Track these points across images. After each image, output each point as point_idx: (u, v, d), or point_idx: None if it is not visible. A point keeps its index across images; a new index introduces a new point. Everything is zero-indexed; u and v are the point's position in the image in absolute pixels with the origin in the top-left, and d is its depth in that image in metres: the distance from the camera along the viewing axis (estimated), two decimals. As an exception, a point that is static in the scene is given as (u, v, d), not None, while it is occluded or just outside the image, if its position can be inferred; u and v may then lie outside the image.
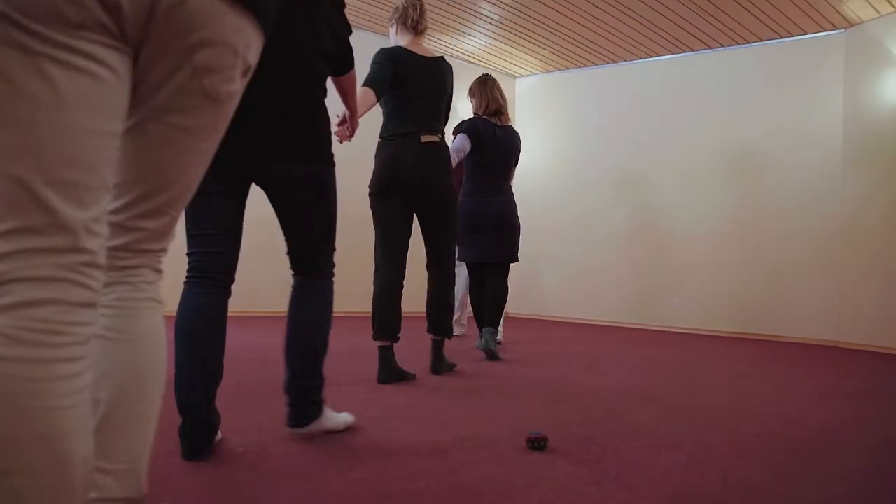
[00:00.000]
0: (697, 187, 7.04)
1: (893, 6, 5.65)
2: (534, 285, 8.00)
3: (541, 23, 6.72)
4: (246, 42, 1.01)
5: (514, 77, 8.55)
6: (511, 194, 4.44)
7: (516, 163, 4.52)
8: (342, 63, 2.26)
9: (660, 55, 7.32)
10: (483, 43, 7.46)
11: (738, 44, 6.77)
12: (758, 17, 6.08)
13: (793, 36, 6.44)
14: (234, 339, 4.67)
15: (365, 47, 7.67)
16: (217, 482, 1.65)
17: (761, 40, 6.62)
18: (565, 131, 8.04)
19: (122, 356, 1.02)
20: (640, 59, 7.47)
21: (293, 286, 2.23)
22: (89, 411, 0.86)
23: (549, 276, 7.99)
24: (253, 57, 1.06)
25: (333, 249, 2.24)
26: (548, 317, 7.94)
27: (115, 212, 1.01)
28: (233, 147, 1.73)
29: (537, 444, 2.05)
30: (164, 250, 1.11)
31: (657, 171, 7.34)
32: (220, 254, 2.05)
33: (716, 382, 3.77)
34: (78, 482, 0.82)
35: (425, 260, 3.57)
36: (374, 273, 3.43)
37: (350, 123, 2.55)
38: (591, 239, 7.75)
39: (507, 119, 4.46)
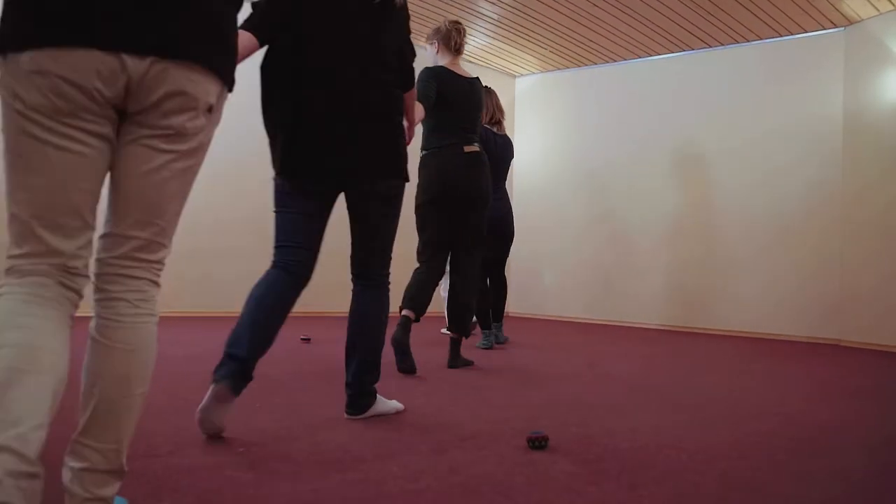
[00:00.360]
0: (697, 186, 7.04)
1: (893, 4, 5.65)
2: (533, 285, 8.00)
3: (540, 22, 6.71)
4: (203, 89, 1.30)
5: (514, 76, 8.55)
6: (507, 196, 5.07)
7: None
8: (407, 82, 2.52)
9: (659, 54, 7.32)
10: (482, 42, 7.46)
11: (737, 42, 6.77)
12: (757, 16, 6.08)
13: (792, 34, 6.44)
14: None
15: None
16: (217, 483, 1.65)
17: (760, 38, 6.61)
18: (564, 130, 8.04)
19: (115, 361, 1.28)
20: (640, 57, 7.47)
21: (354, 290, 2.47)
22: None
23: (549, 275, 7.99)
24: (212, 98, 1.34)
25: (390, 258, 2.50)
26: (547, 316, 7.94)
27: (113, 226, 1.34)
28: (312, 168, 2.25)
29: (538, 443, 2.05)
30: (157, 263, 1.36)
31: (657, 170, 7.34)
32: (301, 262, 2.37)
33: (716, 381, 3.77)
34: None
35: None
36: (418, 269, 3.77)
37: (408, 133, 2.68)
38: (590, 238, 7.74)
39: (504, 129, 4.99)
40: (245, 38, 2.20)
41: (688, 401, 3.08)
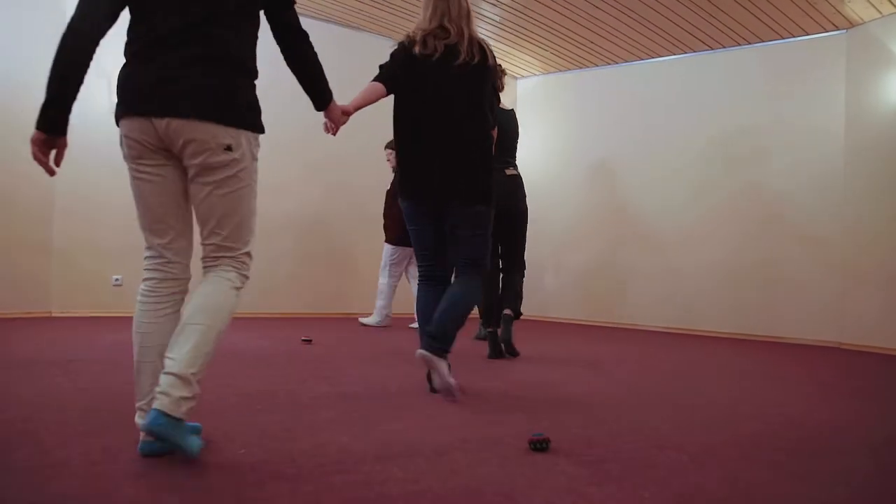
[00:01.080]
0: (699, 188, 7.04)
1: (895, 6, 5.65)
2: (535, 286, 7.98)
3: (541, 24, 6.72)
4: (212, 133, 1.85)
5: (516, 78, 8.55)
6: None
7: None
8: (493, 123, 3.21)
9: (661, 56, 7.31)
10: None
11: (739, 44, 6.77)
12: (759, 18, 6.08)
13: (794, 36, 6.44)
14: (234, 341, 4.68)
15: (366, 48, 7.69)
16: (219, 484, 1.65)
17: (762, 41, 6.61)
18: (566, 132, 8.04)
19: (196, 299, 1.90)
20: (641, 59, 7.47)
21: (455, 278, 3.13)
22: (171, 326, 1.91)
23: (551, 277, 7.99)
24: (226, 139, 1.86)
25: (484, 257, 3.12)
26: (549, 318, 7.93)
27: (200, 235, 1.97)
28: (424, 191, 3.00)
29: (539, 444, 2.05)
30: (237, 260, 1.98)
31: (658, 172, 7.33)
32: (433, 265, 3.13)
33: (717, 383, 3.76)
34: None
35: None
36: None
37: None
38: (592, 239, 7.74)
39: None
40: (375, 86, 3.01)
41: (689, 402, 3.07)
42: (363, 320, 6.26)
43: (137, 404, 1.88)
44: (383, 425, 2.34)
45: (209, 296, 1.90)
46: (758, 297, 6.59)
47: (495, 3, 6.30)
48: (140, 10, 1.91)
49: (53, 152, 2.00)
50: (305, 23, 6.83)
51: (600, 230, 7.69)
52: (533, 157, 8.06)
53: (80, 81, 1.93)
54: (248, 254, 2.00)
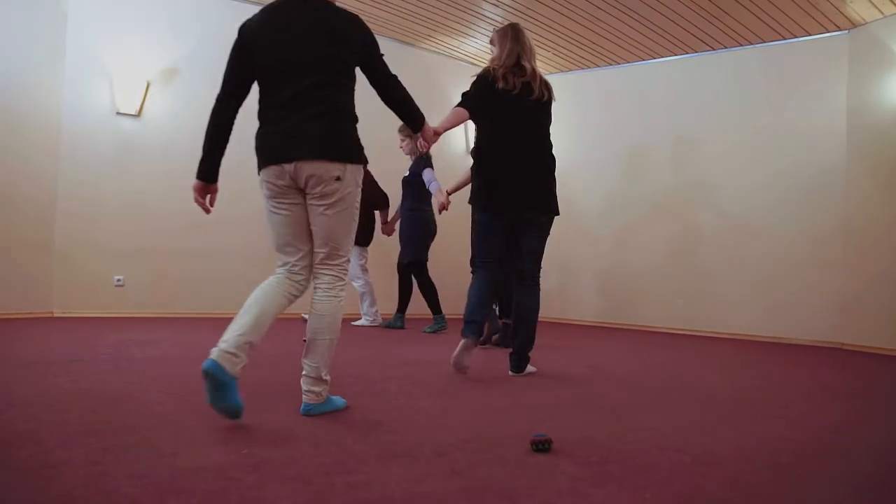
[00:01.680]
0: (700, 189, 7.03)
1: (897, 7, 5.65)
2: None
3: (543, 24, 6.71)
4: (325, 168, 2.41)
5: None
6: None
7: None
8: None
9: (662, 57, 7.31)
10: (485, 44, 7.46)
11: (740, 45, 6.76)
12: (760, 19, 6.07)
13: (796, 37, 6.43)
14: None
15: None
16: (221, 484, 1.65)
17: (764, 42, 6.61)
18: (567, 133, 7.99)
19: (313, 319, 2.48)
20: (643, 60, 7.47)
21: (517, 287, 3.68)
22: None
23: (553, 277, 7.98)
24: (336, 172, 2.42)
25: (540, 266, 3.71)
26: (551, 318, 7.93)
27: (317, 248, 2.52)
28: (505, 205, 3.55)
29: (541, 446, 2.04)
30: (339, 269, 2.53)
31: (660, 173, 7.33)
32: (495, 266, 3.66)
33: (718, 384, 3.76)
34: None
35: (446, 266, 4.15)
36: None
37: None
38: (593, 240, 7.74)
39: None
40: (461, 112, 3.54)
41: (690, 403, 3.07)
42: (356, 323, 6.29)
43: (225, 337, 2.33)
44: (384, 426, 2.34)
45: (326, 316, 2.47)
46: (759, 298, 6.58)
47: (497, 3, 6.30)
48: (265, 83, 2.52)
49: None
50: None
51: (601, 230, 7.69)
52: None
53: (224, 142, 2.65)
54: (348, 260, 2.58)
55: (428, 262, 6.15)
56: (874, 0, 5.56)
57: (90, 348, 4.01)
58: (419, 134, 2.94)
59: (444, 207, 5.29)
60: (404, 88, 2.71)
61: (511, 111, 3.56)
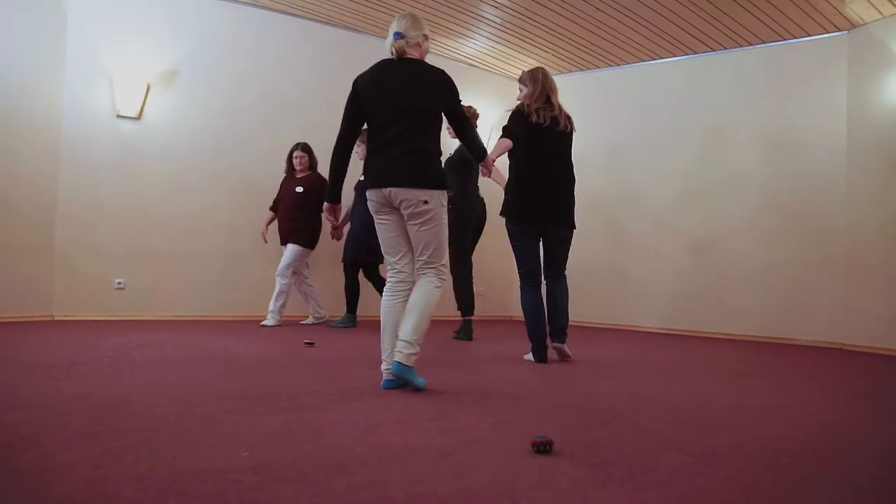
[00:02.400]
0: (701, 190, 7.03)
1: (895, 7, 5.65)
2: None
3: (542, 26, 6.72)
4: (414, 194, 3.09)
5: (517, 80, 8.55)
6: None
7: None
8: None
9: (662, 58, 7.32)
10: (485, 46, 7.47)
11: (740, 46, 6.77)
12: (760, 20, 6.08)
13: (795, 38, 6.44)
14: (233, 345, 4.68)
15: (366, 50, 7.69)
16: (221, 486, 1.65)
17: (764, 42, 6.61)
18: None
19: (412, 299, 3.14)
20: (643, 61, 7.47)
21: (547, 285, 4.48)
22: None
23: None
24: (423, 196, 3.08)
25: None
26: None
27: (417, 256, 3.25)
28: (529, 218, 4.32)
29: (542, 447, 2.04)
30: (437, 269, 3.19)
31: (660, 174, 7.33)
32: (536, 272, 4.45)
33: (720, 384, 3.76)
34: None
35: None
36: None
37: None
38: (593, 242, 7.74)
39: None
40: (506, 142, 4.18)
41: (691, 404, 3.07)
42: (264, 323, 6.08)
43: (384, 356, 3.17)
44: (386, 427, 2.34)
45: (421, 296, 3.14)
46: (760, 298, 6.58)
47: (496, 5, 6.31)
48: (372, 125, 3.24)
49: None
50: (308, 26, 6.97)
51: (601, 231, 7.68)
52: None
53: (344, 172, 3.33)
54: (444, 264, 3.23)
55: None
56: (873, 1, 5.57)
57: (91, 351, 4.01)
58: (481, 163, 3.66)
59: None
60: (473, 129, 3.55)
61: (542, 141, 4.32)
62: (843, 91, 6.19)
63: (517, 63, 7.96)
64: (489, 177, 3.95)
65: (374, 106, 3.21)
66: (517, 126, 4.27)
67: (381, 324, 3.20)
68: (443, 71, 3.29)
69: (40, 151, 5.80)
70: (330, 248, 6.71)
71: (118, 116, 6.14)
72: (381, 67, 3.26)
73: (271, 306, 6.09)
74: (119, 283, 6.12)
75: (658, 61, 7.39)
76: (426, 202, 3.10)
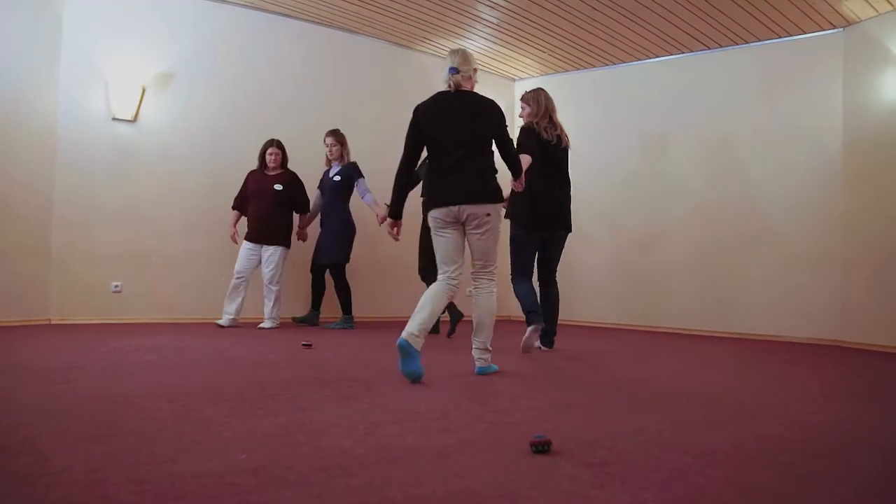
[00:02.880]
0: (697, 188, 7.04)
1: (892, 5, 5.66)
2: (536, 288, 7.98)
3: (538, 25, 6.72)
4: (479, 209, 3.60)
5: (513, 80, 8.56)
6: None
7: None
8: None
9: (658, 56, 7.32)
10: (481, 46, 7.47)
11: (735, 44, 6.78)
12: (756, 17, 6.08)
13: (791, 35, 6.45)
14: (231, 347, 4.67)
15: (363, 51, 7.65)
16: (220, 489, 1.64)
17: (759, 40, 6.62)
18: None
19: (479, 308, 3.74)
20: (639, 60, 7.48)
21: (540, 287, 4.97)
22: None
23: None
24: (487, 210, 3.60)
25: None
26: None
27: (472, 260, 3.78)
28: (541, 224, 4.79)
29: (541, 447, 2.04)
30: (490, 274, 3.73)
31: (657, 172, 7.34)
32: (531, 272, 4.85)
33: (718, 383, 3.76)
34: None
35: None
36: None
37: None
38: (591, 241, 7.74)
39: None
40: (528, 158, 4.51)
41: (691, 403, 3.07)
42: (262, 326, 6.10)
43: (412, 327, 3.42)
44: (385, 428, 2.34)
45: (486, 306, 3.73)
46: (758, 296, 6.58)
47: (492, 5, 6.31)
48: (432, 150, 3.69)
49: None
50: (304, 27, 6.99)
51: (599, 231, 7.69)
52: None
53: (407, 192, 3.84)
54: (495, 268, 3.76)
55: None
56: (869, -2, 5.58)
57: (88, 355, 4.00)
58: (517, 179, 4.05)
59: (385, 220, 5.45)
60: (516, 152, 3.92)
61: (549, 155, 4.81)
62: (839, 88, 6.20)
63: (513, 63, 7.96)
64: (521, 189, 4.18)
65: (436, 133, 3.64)
66: (532, 142, 4.72)
67: (421, 304, 3.52)
68: (494, 101, 3.76)
69: (36, 155, 5.79)
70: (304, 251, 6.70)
71: (114, 119, 6.13)
72: (441, 99, 3.71)
73: (269, 312, 6.09)
74: (116, 286, 6.11)
75: (653, 60, 7.40)
76: (489, 214, 3.62)
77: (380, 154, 6.81)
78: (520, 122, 5.06)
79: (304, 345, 4.70)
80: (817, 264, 6.26)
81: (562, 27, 6.72)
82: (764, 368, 4.49)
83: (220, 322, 5.91)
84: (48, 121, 5.86)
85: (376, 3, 6.48)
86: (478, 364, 3.72)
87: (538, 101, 4.95)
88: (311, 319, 6.47)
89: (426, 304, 3.48)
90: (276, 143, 6.19)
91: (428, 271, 5.50)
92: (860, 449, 2.32)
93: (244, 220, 6.23)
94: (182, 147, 6.41)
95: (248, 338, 5.22)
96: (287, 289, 6.57)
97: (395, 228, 3.87)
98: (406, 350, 3.32)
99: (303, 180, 6.34)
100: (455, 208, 3.58)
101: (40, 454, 1.89)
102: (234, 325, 5.93)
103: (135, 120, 6.22)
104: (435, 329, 5.87)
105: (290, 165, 6.37)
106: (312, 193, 6.49)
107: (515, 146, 4.23)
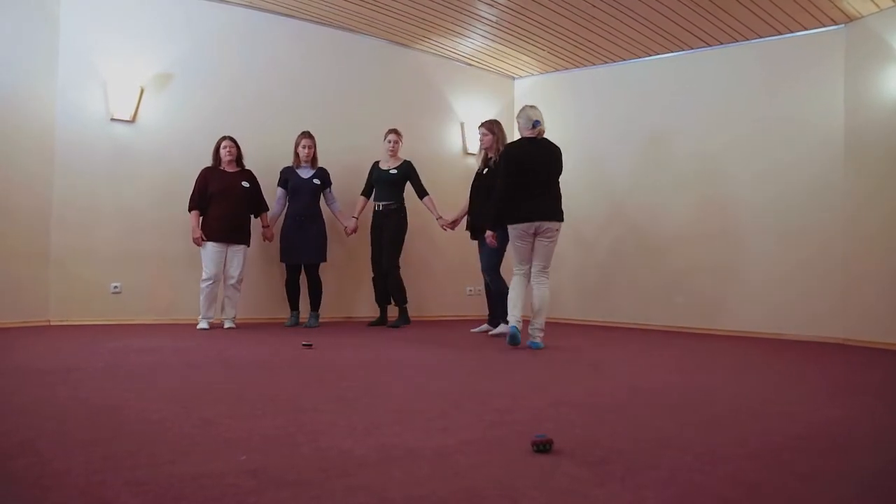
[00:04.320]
0: (698, 186, 7.03)
1: (893, 0, 5.64)
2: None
3: (538, 23, 6.71)
4: (551, 225, 4.95)
5: (512, 78, 8.55)
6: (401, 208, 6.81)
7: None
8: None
9: (658, 53, 7.31)
10: (480, 44, 7.46)
11: (736, 41, 6.76)
12: (756, 14, 6.07)
13: (792, 32, 6.43)
14: (229, 348, 4.67)
15: (363, 51, 7.63)
16: (220, 490, 1.64)
17: (760, 37, 6.60)
18: (564, 132, 8.00)
19: (535, 298, 4.98)
20: (639, 57, 7.47)
21: (533, 282, 5.04)
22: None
23: (553, 277, 7.96)
24: (556, 226, 4.98)
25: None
26: (550, 318, 7.90)
27: (534, 263, 5.06)
28: (530, 219, 4.96)
29: (542, 446, 2.03)
30: (547, 273, 5.04)
31: (658, 171, 7.33)
32: (528, 267, 5.09)
33: (720, 381, 3.75)
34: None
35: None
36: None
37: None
38: (591, 239, 7.73)
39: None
40: (502, 190, 5.05)
41: (692, 401, 3.06)
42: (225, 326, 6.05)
43: (511, 315, 4.93)
44: (384, 429, 2.33)
45: (543, 297, 4.92)
46: (760, 295, 6.57)
47: (492, 3, 6.30)
48: (521, 180, 4.92)
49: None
50: (304, 27, 7.00)
51: (600, 229, 7.68)
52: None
53: (505, 216, 5.03)
54: (549, 268, 5.02)
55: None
56: (869, -6, 5.56)
57: (87, 356, 3.99)
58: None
59: (354, 230, 6.66)
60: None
61: (535, 161, 5.19)
62: (841, 85, 6.18)
63: (513, 61, 7.95)
64: None
65: (526, 169, 4.93)
66: (511, 177, 5.45)
67: (512, 296, 4.97)
68: (559, 147, 5.09)
69: (34, 156, 5.78)
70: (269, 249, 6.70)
71: (112, 120, 6.12)
72: (528, 143, 5.02)
73: (231, 313, 6.02)
74: (115, 287, 6.10)
75: (654, 57, 7.38)
76: (557, 230, 4.95)
77: (378, 153, 6.80)
78: (517, 119, 5.16)
79: (304, 345, 4.70)
80: (820, 261, 6.24)
81: (560, 24, 6.71)
82: (765, 366, 4.48)
83: (202, 326, 5.84)
84: (46, 122, 5.85)
85: (375, 2, 6.47)
86: (534, 339, 4.91)
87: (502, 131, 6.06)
88: (301, 322, 6.51)
89: (516, 298, 4.95)
90: (231, 138, 6.08)
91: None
92: (863, 447, 2.32)
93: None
94: (181, 147, 6.39)
95: (247, 339, 5.22)
96: (261, 288, 6.66)
97: (492, 237, 5.28)
98: (514, 337, 4.84)
99: (310, 182, 6.41)
100: (536, 224, 4.88)
101: (39, 456, 1.89)
102: (234, 327, 5.96)
103: (133, 120, 6.20)
104: (382, 320, 6.70)
105: (291, 163, 6.42)
106: (333, 194, 6.65)
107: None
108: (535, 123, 5.00)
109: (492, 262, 6.00)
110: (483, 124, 6.15)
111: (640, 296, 7.41)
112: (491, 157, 6.03)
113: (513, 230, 4.96)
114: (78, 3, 5.98)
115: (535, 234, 4.91)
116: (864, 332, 5.87)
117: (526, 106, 5.12)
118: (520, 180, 4.90)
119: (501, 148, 5.86)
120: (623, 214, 7.59)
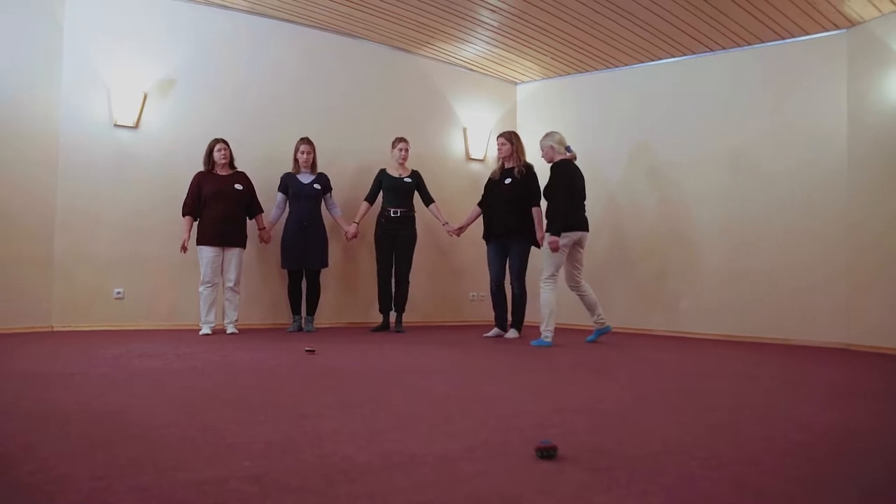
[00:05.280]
0: (700, 190, 7.02)
1: (895, 5, 5.64)
2: (537, 291, 7.96)
3: (540, 28, 6.72)
4: (588, 235, 5.83)
5: (515, 83, 8.56)
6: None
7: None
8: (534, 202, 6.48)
9: (660, 58, 7.31)
10: (483, 50, 7.47)
11: (738, 46, 6.76)
12: (758, 19, 6.07)
13: (794, 37, 6.43)
14: (233, 353, 4.67)
15: (364, 56, 7.65)
16: (222, 496, 1.63)
17: (762, 42, 6.60)
18: (566, 136, 8.01)
19: (589, 296, 5.95)
20: (641, 62, 7.47)
21: (512, 289, 6.22)
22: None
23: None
24: (587, 237, 5.86)
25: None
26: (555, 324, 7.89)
27: (572, 267, 5.91)
28: (498, 231, 6.26)
29: (547, 452, 2.03)
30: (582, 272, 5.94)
31: (659, 175, 7.32)
32: (502, 278, 6.39)
33: (724, 387, 3.74)
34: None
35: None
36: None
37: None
38: (593, 243, 7.72)
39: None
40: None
41: (696, 406, 3.05)
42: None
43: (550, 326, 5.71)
44: (387, 434, 2.32)
45: (589, 293, 5.90)
46: (764, 299, 6.56)
47: (494, 9, 6.31)
48: (576, 197, 5.78)
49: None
50: (307, 33, 7.00)
51: (602, 232, 7.67)
52: (533, 162, 8.06)
53: (565, 225, 5.61)
54: None
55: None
56: (871, -2, 5.56)
57: (90, 362, 3.99)
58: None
59: (355, 236, 6.69)
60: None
61: (493, 194, 6.44)
62: (843, 90, 6.17)
63: (515, 66, 7.96)
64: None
65: (578, 185, 5.77)
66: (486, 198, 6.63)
67: (553, 309, 5.66)
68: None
69: (38, 162, 5.80)
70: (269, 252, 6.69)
71: (116, 126, 6.13)
72: (573, 165, 5.79)
73: (232, 317, 6.00)
74: (118, 292, 6.11)
75: (656, 62, 7.38)
76: (586, 240, 5.81)
77: (382, 158, 6.81)
78: (524, 128, 5.15)
79: (307, 350, 4.69)
80: (823, 266, 6.23)
81: (562, 30, 6.72)
82: (769, 371, 4.46)
83: (205, 331, 5.82)
84: (50, 128, 5.87)
85: (378, 8, 6.48)
86: (600, 327, 5.95)
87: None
88: (306, 326, 6.52)
89: (596, 301, 5.91)
90: (223, 140, 6.05)
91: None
92: (866, 451, 2.31)
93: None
94: (184, 153, 6.40)
95: (250, 344, 5.21)
96: (262, 294, 6.66)
97: (556, 243, 5.54)
98: (601, 333, 5.95)
99: (312, 187, 6.41)
100: (583, 233, 5.72)
101: (42, 462, 1.88)
102: (236, 332, 5.95)
103: (136, 126, 6.22)
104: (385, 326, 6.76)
105: (291, 169, 6.43)
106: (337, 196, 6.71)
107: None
108: (569, 149, 5.82)
109: (524, 269, 6.27)
110: (502, 134, 6.36)
111: (640, 301, 7.39)
112: (514, 167, 6.22)
113: (566, 237, 5.51)
114: (82, 8, 6.00)
115: (576, 243, 5.67)
116: (868, 337, 5.85)
117: (553, 132, 5.91)
118: (575, 195, 5.63)
119: (522, 159, 6.29)
120: (623, 218, 7.58)
